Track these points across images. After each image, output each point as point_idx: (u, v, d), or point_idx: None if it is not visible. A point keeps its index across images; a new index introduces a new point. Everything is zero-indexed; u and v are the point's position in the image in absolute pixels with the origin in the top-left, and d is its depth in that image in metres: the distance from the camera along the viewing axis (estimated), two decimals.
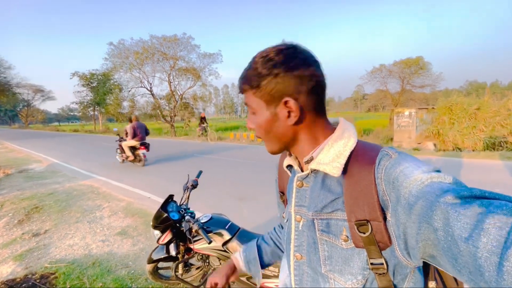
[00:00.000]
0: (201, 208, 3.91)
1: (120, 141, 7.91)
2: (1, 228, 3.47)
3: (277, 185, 0.81)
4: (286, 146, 0.60)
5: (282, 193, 0.77)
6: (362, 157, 0.52)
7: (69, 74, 28.11)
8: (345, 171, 0.52)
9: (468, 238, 0.32)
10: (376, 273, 0.49)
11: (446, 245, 0.35)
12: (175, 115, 22.16)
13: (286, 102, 0.54)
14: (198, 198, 4.18)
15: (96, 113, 33.13)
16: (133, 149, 7.55)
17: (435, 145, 10.09)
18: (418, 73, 22.56)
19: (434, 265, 0.41)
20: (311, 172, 0.58)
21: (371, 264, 0.49)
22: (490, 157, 7.17)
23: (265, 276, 1.44)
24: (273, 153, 0.61)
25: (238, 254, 0.88)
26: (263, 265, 0.85)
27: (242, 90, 0.59)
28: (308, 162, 0.58)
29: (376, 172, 0.49)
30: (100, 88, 27.39)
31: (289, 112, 0.54)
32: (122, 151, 7.73)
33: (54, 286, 2.20)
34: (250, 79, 0.55)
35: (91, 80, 28.87)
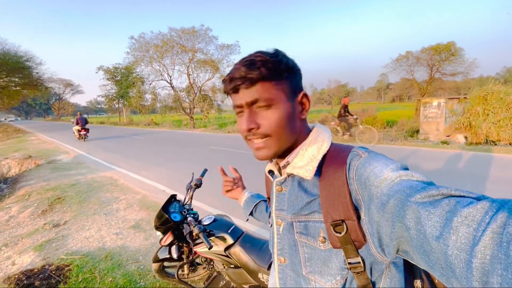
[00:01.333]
0: (212, 202, 3.88)
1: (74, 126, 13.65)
2: (26, 217, 3.66)
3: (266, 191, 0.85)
4: (292, 144, 0.58)
5: (269, 199, 0.80)
6: (335, 159, 0.54)
7: (95, 68, 29.31)
8: (320, 173, 0.54)
9: (439, 237, 0.33)
10: (354, 272, 0.50)
11: (419, 243, 0.36)
12: (194, 107, 22.46)
13: (304, 95, 0.57)
14: (210, 192, 4.16)
15: (120, 105, 34.46)
16: (78, 131, 13.28)
17: (466, 138, 9.37)
18: (450, 60, 20.96)
19: (408, 259, 0.42)
20: (288, 176, 0.60)
21: (349, 263, 0.50)
22: None
23: (267, 286, 1.34)
24: (275, 154, 0.57)
25: (248, 192, 1.10)
26: (252, 214, 1.05)
27: (246, 86, 0.52)
28: (284, 166, 0.60)
29: (347, 172, 0.50)
30: (123, 81, 28.35)
31: (302, 106, 0.57)
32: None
33: (67, 278, 2.26)
34: (267, 71, 0.51)
35: (115, 74, 29.94)
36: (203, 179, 1.80)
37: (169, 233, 1.58)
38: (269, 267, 1.32)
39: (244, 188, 1.12)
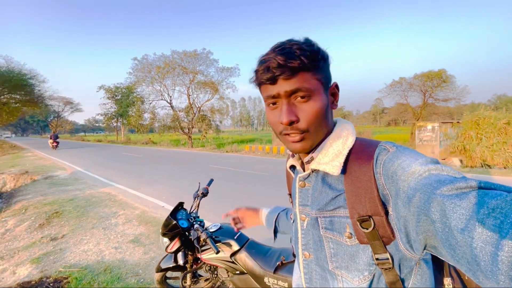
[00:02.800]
0: (214, 219, 3.87)
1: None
2: (23, 231, 3.61)
3: (287, 187, 0.83)
4: (325, 136, 0.56)
5: (290, 195, 0.79)
6: (361, 154, 0.52)
7: (96, 87, 29.87)
8: (345, 169, 0.53)
9: (464, 229, 0.32)
10: (382, 268, 0.49)
11: (444, 236, 0.35)
12: (192, 127, 22.70)
13: (337, 85, 0.57)
14: (211, 209, 4.16)
15: (118, 124, 34.67)
16: (52, 143, 19.25)
17: (461, 161, 9.54)
18: (441, 86, 21.79)
19: (437, 255, 0.41)
20: (312, 172, 0.59)
21: (377, 259, 0.49)
22: None
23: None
24: (311, 147, 0.56)
25: (264, 209, 1.09)
26: (276, 230, 1.03)
27: (286, 76, 0.49)
28: (308, 162, 0.58)
29: (374, 167, 0.49)
30: (124, 100, 28.79)
31: (334, 97, 0.57)
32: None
33: None
34: (306, 61, 0.48)
35: (116, 93, 30.46)
36: (209, 188, 1.86)
37: (176, 239, 1.61)
38: (275, 271, 1.36)
39: (256, 210, 1.13)
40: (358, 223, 0.49)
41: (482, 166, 8.92)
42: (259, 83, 0.54)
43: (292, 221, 0.69)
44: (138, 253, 2.91)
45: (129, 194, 5.58)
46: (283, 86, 0.50)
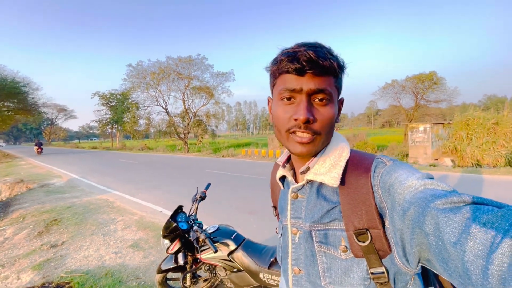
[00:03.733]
0: (211, 222, 3.96)
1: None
2: (22, 239, 3.64)
3: (271, 199, 0.81)
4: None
5: (275, 207, 0.78)
6: (357, 166, 0.52)
7: (91, 94, 29.78)
8: (342, 180, 0.52)
9: (456, 243, 0.33)
10: (377, 282, 0.48)
11: (437, 249, 0.36)
12: (188, 132, 22.74)
13: (343, 101, 0.58)
14: (208, 212, 4.24)
15: (113, 130, 34.52)
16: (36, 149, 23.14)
17: (453, 161, 9.76)
18: (432, 88, 22.24)
19: (431, 269, 0.41)
20: (307, 183, 0.57)
21: (372, 273, 0.48)
22: (511, 173, 6.85)
23: (268, 285, 1.47)
24: (316, 152, 0.55)
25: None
26: None
27: (324, 71, 0.48)
28: (303, 173, 0.57)
29: (372, 179, 0.49)
30: (119, 107, 28.74)
31: (339, 110, 0.56)
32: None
33: None
34: (338, 67, 0.49)
35: (110, 100, 30.41)
36: (207, 192, 1.96)
37: (176, 241, 1.71)
38: (269, 267, 1.46)
39: None
40: (354, 236, 0.48)
41: (473, 166, 9.13)
42: (281, 72, 0.51)
43: (279, 236, 0.67)
44: (138, 257, 2.98)
45: (126, 200, 5.63)
46: (309, 82, 0.48)
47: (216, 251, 1.49)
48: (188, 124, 22.72)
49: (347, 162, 0.54)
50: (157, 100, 23.41)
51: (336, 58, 0.50)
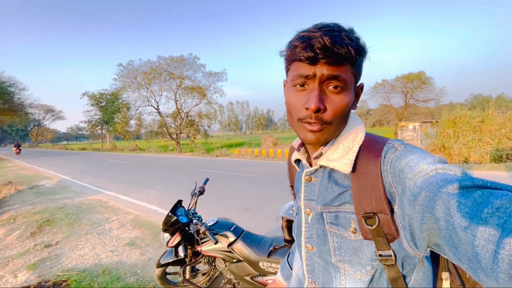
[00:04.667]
0: (206, 219, 3.99)
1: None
2: (14, 240, 3.59)
3: (288, 179, 0.81)
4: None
5: (292, 187, 0.78)
6: (369, 151, 0.52)
7: (79, 94, 29.20)
8: (354, 166, 0.52)
9: (467, 227, 0.32)
10: (385, 264, 0.49)
11: (447, 234, 0.35)
12: (180, 132, 22.59)
13: (362, 87, 0.56)
14: (203, 210, 4.26)
15: (104, 131, 33.94)
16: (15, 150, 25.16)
17: None
18: (421, 88, 22.80)
19: (440, 253, 0.41)
20: (320, 167, 0.58)
21: (380, 255, 0.49)
22: (495, 169, 7.13)
23: (267, 273, 1.52)
24: (326, 141, 0.54)
25: (279, 274, 0.91)
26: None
27: (339, 59, 0.46)
28: (317, 157, 0.58)
29: (382, 165, 0.49)
30: (109, 107, 28.27)
31: (356, 97, 0.55)
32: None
33: None
34: (357, 54, 0.47)
35: (100, 100, 29.88)
36: (205, 186, 2.00)
37: (176, 234, 1.74)
38: (268, 255, 1.52)
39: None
40: (363, 220, 0.49)
41: (461, 163, 9.43)
42: (294, 59, 0.50)
43: (295, 214, 0.70)
44: (135, 254, 2.99)
45: (120, 200, 5.59)
46: (322, 69, 0.47)
47: (216, 242, 1.54)
48: (180, 124, 22.58)
49: (360, 147, 0.53)
50: (148, 100, 23.19)
51: (355, 42, 0.47)
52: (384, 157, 0.49)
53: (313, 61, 0.47)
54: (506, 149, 9.09)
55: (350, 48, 0.46)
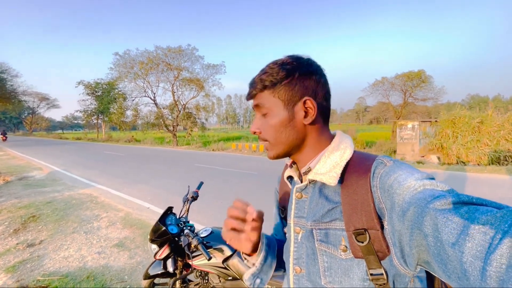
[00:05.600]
0: (201, 220, 3.81)
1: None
2: None
3: (277, 197, 0.79)
4: (292, 150, 0.59)
5: (284, 208, 0.73)
6: (358, 167, 0.53)
7: (75, 83, 28.56)
8: (342, 180, 0.53)
9: (455, 243, 0.33)
10: (377, 284, 0.48)
11: (436, 250, 0.35)
12: (177, 125, 22.26)
13: (305, 102, 0.57)
14: (198, 209, 4.09)
15: (99, 121, 33.39)
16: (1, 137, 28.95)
17: (439, 158, 9.98)
18: (420, 86, 22.66)
19: (430, 271, 0.41)
20: (310, 183, 0.59)
21: (371, 275, 0.48)
22: (496, 172, 7.04)
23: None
24: (277, 157, 0.60)
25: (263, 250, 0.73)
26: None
27: (253, 93, 0.58)
28: (306, 173, 0.59)
29: (371, 180, 0.50)
30: (105, 97, 27.72)
31: (305, 112, 0.57)
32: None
33: None
34: (267, 81, 0.55)
35: (96, 89, 29.27)
36: (199, 191, 1.81)
37: (165, 246, 1.56)
38: None
39: (259, 238, 0.63)
40: (353, 236, 0.49)
41: (458, 163, 9.36)
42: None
43: (284, 234, 0.69)
44: (123, 258, 2.81)
45: (112, 195, 5.38)
46: (252, 101, 0.60)
47: (209, 259, 1.36)
48: (177, 116, 22.22)
49: (348, 163, 0.55)
50: (145, 91, 22.72)
51: (276, 72, 0.55)
52: (374, 173, 0.50)
53: (248, 96, 0.61)
54: (504, 150, 9.04)
55: (264, 78, 0.55)
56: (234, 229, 0.59)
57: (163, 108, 23.20)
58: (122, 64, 21.80)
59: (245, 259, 0.66)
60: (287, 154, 0.60)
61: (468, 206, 0.35)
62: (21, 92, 28.88)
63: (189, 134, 23.02)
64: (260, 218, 0.60)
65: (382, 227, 0.47)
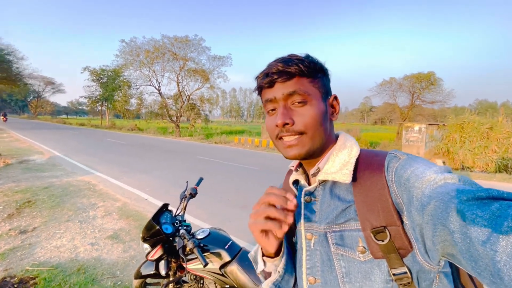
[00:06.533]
0: (200, 215, 3.70)
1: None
2: None
3: None
4: (322, 146, 0.55)
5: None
6: (369, 163, 0.52)
7: (81, 68, 28.46)
8: (354, 178, 0.51)
9: (486, 241, 0.31)
10: (400, 284, 0.45)
11: (464, 247, 0.33)
12: (181, 116, 22.14)
13: (335, 97, 0.57)
14: (198, 205, 3.97)
15: (103, 108, 33.38)
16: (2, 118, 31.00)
17: (444, 162, 9.77)
18: (429, 89, 22.27)
19: (455, 263, 0.38)
20: (319, 184, 0.56)
21: (394, 274, 0.45)
22: (506, 180, 6.85)
23: None
24: (309, 153, 0.53)
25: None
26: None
27: (292, 75, 0.51)
28: (314, 174, 0.57)
29: (386, 174, 0.48)
30: (110, 84, 27.61)
31: (333, 108, 0.57)
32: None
33: None
34: (308, 68, 0.52)
35: (101, 76, 29.16)
36: (198, 188, 1.68)
37: (158, 247, 1.43)
38: None
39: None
40: (372, 236, 0.46)
41: (463, 169, 9.17)
42: (259, 87, 0.56)
43: (296, 244, 0.63)
44: (116, 251, 2.70)
45: (110, 184, 5.29)
46: (279, 89, 0.52)
47: (206, 265, 1.23)
48: (181, 107, 22.09)
49: (357, 160, 0.53)
50: (150, 80, 22.56)
51: (307, 61, 0.52)
52: (388, 167, 0.48)
53: (270, 84, 0.53)
54: None
55: (300, 65, 0.51)
56: (269, 218, 0.48)
57: (168, 98, 23.06)
58: (128, 51, 21.63)
59: (264, 261, 0.58)
60: (318, 150, 0.55)
61: (499, 201, 0.32)
62: (27, 75, 28.85)
63: (192, 125, 22.91)
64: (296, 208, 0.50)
65: (402, 222, 0.45)
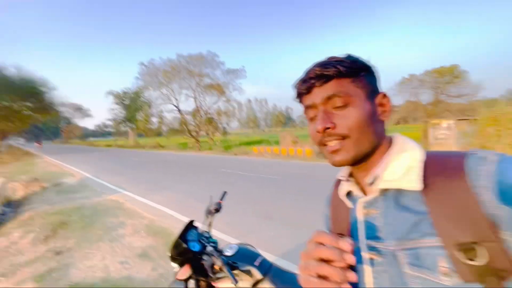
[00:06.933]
0: (223, 228, 3.66)
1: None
2: (28, 243, 3.48)
3: (329, 224, 0.63)
4: (371, 151, 0.49)
5: (342, 235, 0.56)
6: (442, 166, 0.44)
7: (104, 92, 30.29)
8: (424, 185, 0.44)
9: None
10: None
11: None
12: (200, 130, 22.67)
13: (384, 96, 0.52)
14: (220, 217, 3.94)
15: (127, 128, 35.06)
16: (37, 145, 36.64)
17: None
18: (454, 82, 21.18)
19: None
20: (379, 194, 0.49)
21: None
22: None
23: None
24: (355, 159, 0.48)
25: None
26: None
27: (329, 78, 0.47)
28: (371, 183, 0.49)
29: (473, 180, 0.40)
30: (132, 105, 29.07)
31: (383, 107, 0.51)
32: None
33: None
34: (348, 68, 0.47)
35: (124, 98, 30.81)
36: (223, 202, 1.64)
37: (186, 266, 1.39)
38: None
39: None
40: (459, 254, 0.38)
41: None
42: (298, 94, 0.53)
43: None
44: (146, 269, 2.71)
45: (137, 202, 5.43)
46: (318, 93, 0.49)
47: (236, 283, 1.17)
48: (200, 122, 22.64)
49: (425, 164, 0.45)
50: (168, 98, 23.47)
51: (347, 62, 0.48)
52: (476, 171, 0.40)
53: (308, 90, 0.50)
54: None
55: (338, 66, 0.47)
56: (321, 277, 0.42)
57: (186, 114, 23.78)
58: (147, 73, 22.77)
59: None
60: (365, 155, 0.49)
61: None
62: (59, 103, 31.05)
63: (211, 139, 23.33)
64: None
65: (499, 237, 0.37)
